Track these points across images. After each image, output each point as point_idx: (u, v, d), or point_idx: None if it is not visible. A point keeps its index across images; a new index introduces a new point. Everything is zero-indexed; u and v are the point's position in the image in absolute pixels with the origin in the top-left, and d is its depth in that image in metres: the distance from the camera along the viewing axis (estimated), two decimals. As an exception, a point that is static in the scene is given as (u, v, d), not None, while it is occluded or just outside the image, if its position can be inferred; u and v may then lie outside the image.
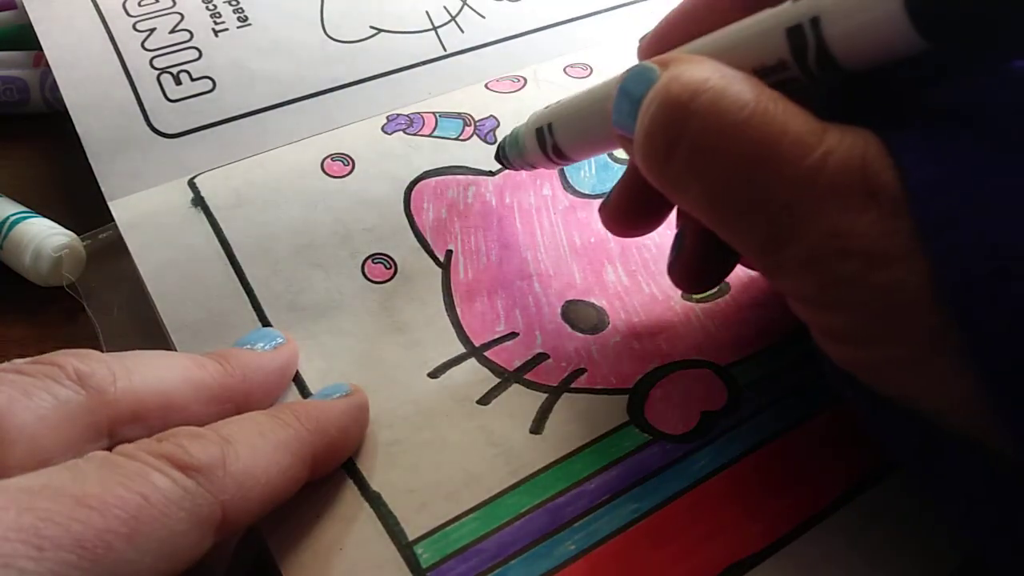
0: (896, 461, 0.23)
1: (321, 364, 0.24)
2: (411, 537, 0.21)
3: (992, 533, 0.17)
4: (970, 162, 0.15)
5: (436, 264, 0.27)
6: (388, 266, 0.27)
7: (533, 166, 0.27)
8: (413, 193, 0.28)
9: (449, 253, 0.27)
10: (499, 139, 0.29)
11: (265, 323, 0.25)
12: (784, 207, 0.16)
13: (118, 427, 0.19)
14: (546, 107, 0.26)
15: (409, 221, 0.28)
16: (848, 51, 0.16)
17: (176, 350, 0.25)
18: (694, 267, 0.23)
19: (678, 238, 0.24)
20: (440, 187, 0.29)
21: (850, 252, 0.16)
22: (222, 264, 0.26)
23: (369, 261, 0.27)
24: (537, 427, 0.23)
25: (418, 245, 0.27)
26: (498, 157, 0.28)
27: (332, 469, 0.22)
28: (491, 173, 0.29)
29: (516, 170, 0.29)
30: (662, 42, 0.21)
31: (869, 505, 0.23)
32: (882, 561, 0.22)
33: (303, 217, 0.27)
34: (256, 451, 0.19)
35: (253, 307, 0.25)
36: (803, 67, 0.17)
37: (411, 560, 0.21)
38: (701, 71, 0.17)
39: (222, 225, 0.27)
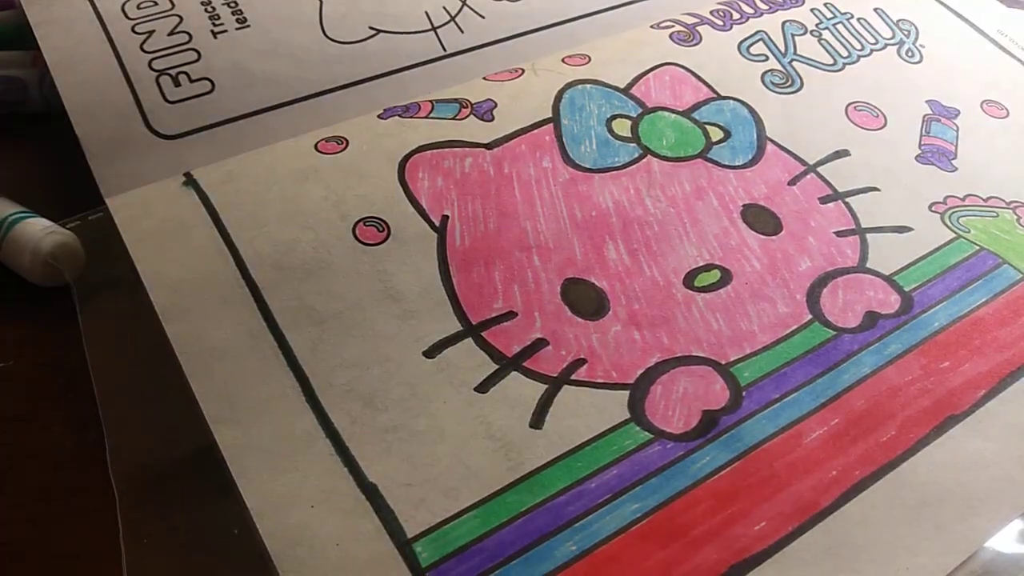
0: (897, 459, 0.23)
1: (312, 331, 0.24)
2: (409, 535, 0.21)
3: None
4: None
5: (432, 228, 0.27)
6: (381, 229, 0.26)
7: None
8: (408, 164, 0.28)
9: (445, 218, 0.27)
10: (496, 118, 0.29)
11: (249, 281, 0.25)
12: None
13: None
14: None
15: (404, 189, 0.27)
16: None
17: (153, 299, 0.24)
18: None
19: None
20: (436, 159, 0.28)
21: None
22: (207, 228, 0.26)
23: (361, 224, 0.26)
24: (537, 421, 0.23)
25: (412, 210, 0.27)
26: None
27: None
28: (488, 146, 0.29)
29: None
30: None
31: (870, 504, 0.22)
32: (883, 560, 0.21)
33: (294, 187, 0.27)
34: None
35: (236, 265, 0.25)
36: None
37: (410, 558, 0.20)
38: None
39: (211, 198, 0.27)
